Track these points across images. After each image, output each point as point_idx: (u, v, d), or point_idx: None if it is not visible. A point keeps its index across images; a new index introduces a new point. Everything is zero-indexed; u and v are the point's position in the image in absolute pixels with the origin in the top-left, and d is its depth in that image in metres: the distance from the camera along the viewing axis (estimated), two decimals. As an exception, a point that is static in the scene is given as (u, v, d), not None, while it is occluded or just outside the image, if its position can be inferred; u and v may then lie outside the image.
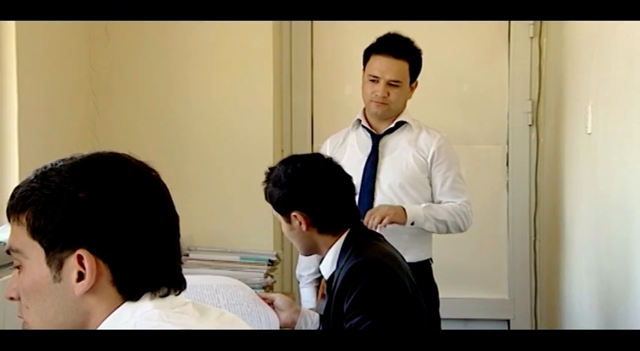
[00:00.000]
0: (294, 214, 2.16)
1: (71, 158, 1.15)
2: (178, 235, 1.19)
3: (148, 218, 1.13)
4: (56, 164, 1.14)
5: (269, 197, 2.22)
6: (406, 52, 2.92)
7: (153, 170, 1.19)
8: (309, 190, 2.17)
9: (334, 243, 2.19)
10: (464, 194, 2.95)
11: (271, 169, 2.25)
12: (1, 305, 1.95)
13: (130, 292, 1.13)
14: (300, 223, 2.17)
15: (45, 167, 1.14)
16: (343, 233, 2.19)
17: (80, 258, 1.10)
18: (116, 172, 1.13)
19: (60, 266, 1.11)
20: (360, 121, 3.02)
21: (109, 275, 1.11)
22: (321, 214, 2.17)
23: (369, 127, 2.99)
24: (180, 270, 1.20)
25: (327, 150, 3.02)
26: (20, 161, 2.74)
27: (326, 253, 2.21)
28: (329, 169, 2.22)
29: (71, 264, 1.11)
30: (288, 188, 2.17)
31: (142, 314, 1.12)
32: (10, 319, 1.97)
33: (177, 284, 1.17)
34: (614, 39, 2.67)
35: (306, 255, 2.31)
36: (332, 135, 3.11)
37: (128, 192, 1.12)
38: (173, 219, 1.18)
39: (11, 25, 2.69)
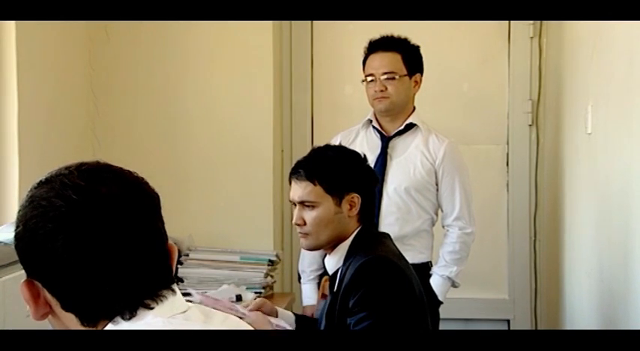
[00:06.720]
0: (354, 195, 2.15)
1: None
2: (160, 239, 1.14)
3: (108, 245, 1.08)
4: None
5: (329, 171, 2.15)
6: (396, 44, 2.95)
7: (139, 178, 1.14)
8: (369, 175, 2.24)
9: (347, 238, 2.17)
10: (470, 224, 2.95)
11: (319, 148, 2.25)
12: (1, 305, 1.95)
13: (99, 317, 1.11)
14: (352, 207, 2.16)
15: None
16: (357, 229, 2.19)
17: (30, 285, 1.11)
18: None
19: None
20: (370, 121, 3.02)
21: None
22: (370, 199, 2.22)
23: (379, 128, 3.00)
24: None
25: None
26: (20, 161, 2.74)
27: (333, 248, 2.19)
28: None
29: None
30: (353, 169, 2.19)
31: (145, 324, 1.09)
32: (10, 319, 1.97)
33: (162, 288, 1.13)
34: (614, 39, 2.67)
35: (318, 247, 2.22)
36: (344, 130, 3.10)
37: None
38: (147, 230, 1.12)
39: (11, 25, 2.69)
